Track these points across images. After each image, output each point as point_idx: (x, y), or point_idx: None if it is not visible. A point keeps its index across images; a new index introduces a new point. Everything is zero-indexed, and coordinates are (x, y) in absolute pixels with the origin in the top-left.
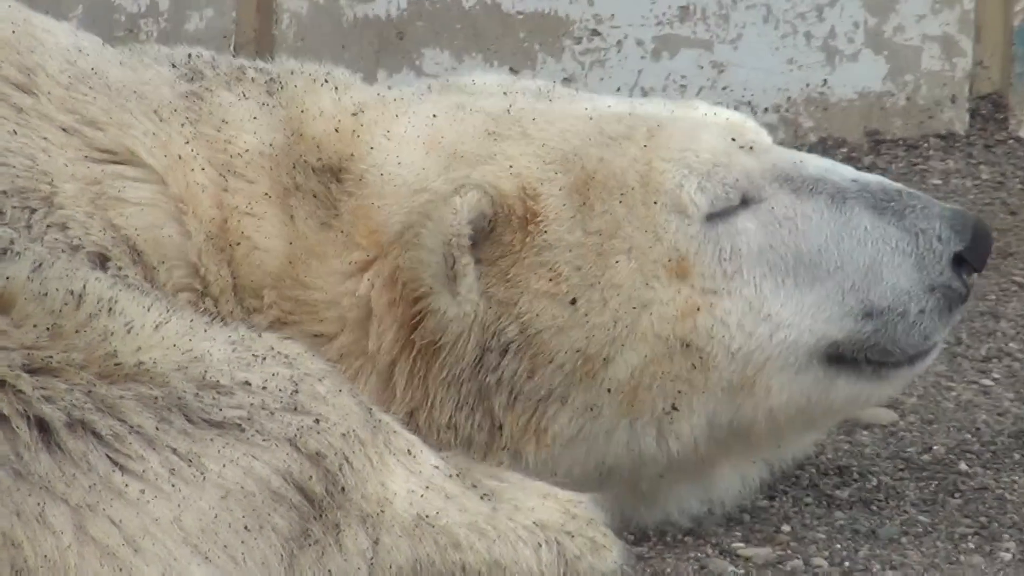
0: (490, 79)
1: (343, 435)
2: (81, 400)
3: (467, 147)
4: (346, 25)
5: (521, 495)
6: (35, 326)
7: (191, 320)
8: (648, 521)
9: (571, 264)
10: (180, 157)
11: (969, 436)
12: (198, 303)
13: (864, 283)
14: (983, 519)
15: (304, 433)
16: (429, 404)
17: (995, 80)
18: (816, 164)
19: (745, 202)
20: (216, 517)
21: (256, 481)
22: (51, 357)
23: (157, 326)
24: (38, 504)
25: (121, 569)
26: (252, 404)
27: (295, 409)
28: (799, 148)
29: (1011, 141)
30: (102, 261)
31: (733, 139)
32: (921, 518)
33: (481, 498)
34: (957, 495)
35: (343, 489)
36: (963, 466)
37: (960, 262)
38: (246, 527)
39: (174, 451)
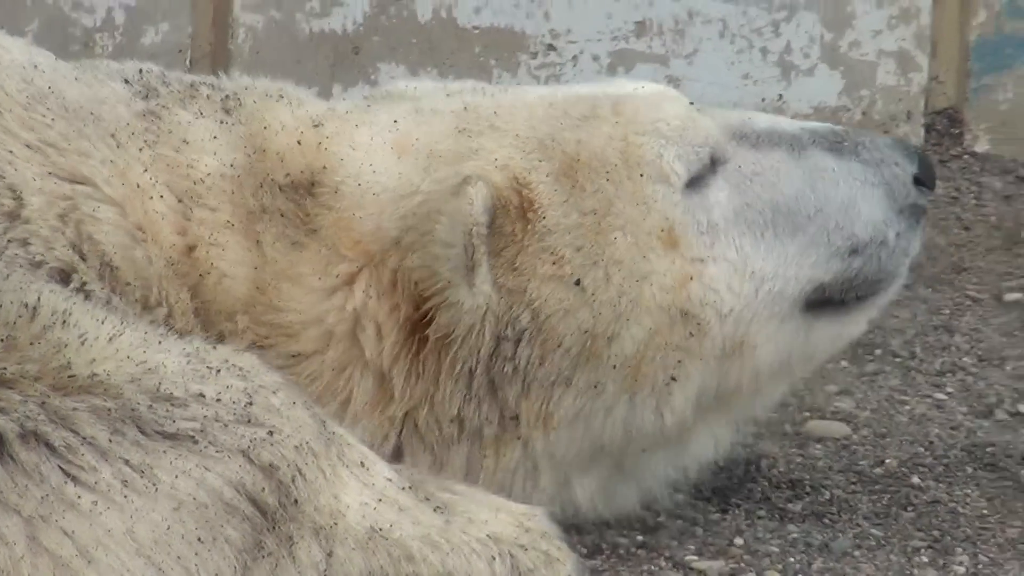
0: (423, 84)
1: (296, 447)
2: (34, 412)
3: (443, 147)
4: (302, 40)
5: (475, 508)
6: None
7: (145, 333)
8: (629, 501)
9: (572, 246)
10: (138, 186)
11: (922, 450)
12: (163, 323)
13: (846, 220)
14: (936, 532)
15: (257, 445)
16: (431, 401)
17: (951, 95)
18: (762, 118)
19: (714, 162)
20: (169, 529)
21: (209, 493)
22: (5, 369)
23: (111, 338)
24: None
25: None
26: (206, 416)
27: (249, 421)
28: None
29: (966, 156)
30: (64, 277)
31: (691, 103)
32: (874, 531)
33: (435, 511)
34: (910, 508)
35: (296, 501)
36: (916, 480)
37: (916, 183)
38: (199, 539)
39: (127, 463)
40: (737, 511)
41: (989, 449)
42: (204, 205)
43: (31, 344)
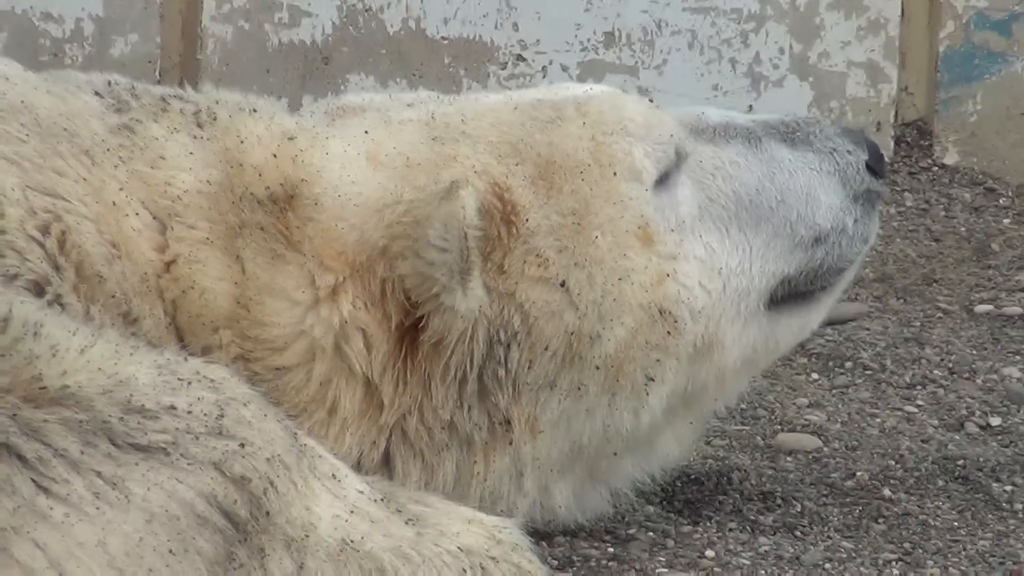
0: (376, 96)
1: (268, 459)
2: (5, 423)
3: (418, 156)
4: (271, 50)
5: (446, 520)
6: None
7: (117, 344)
8: (601, 505)
9: (555, 247)
10: (114, 203)
11: (893, 462)
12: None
13: (808, 210)
14: (907, 545)
15: (229, 457)
16: (421, 408)
17: (920, 107)
18: (715, 112)
19: (679, 156)
20: (141, 541)
21: (181, 505)
22: None
23: (82, 350)
24: None
25: None
26: (177, 428)
27: (220, 433)
28: None
29: (936, 168)
30: (38, 290)
31: (650, 100)
32: (845, 544)
33: (406, 523)
34: (881, 521)
35: (268, 513)
36: (887, 492)
37: (868, 169)
38: (171, 551)
39: (99, 474)
40: (708, 523)
41: (960, 462)
42: (182, 222)
43: (2, 356)
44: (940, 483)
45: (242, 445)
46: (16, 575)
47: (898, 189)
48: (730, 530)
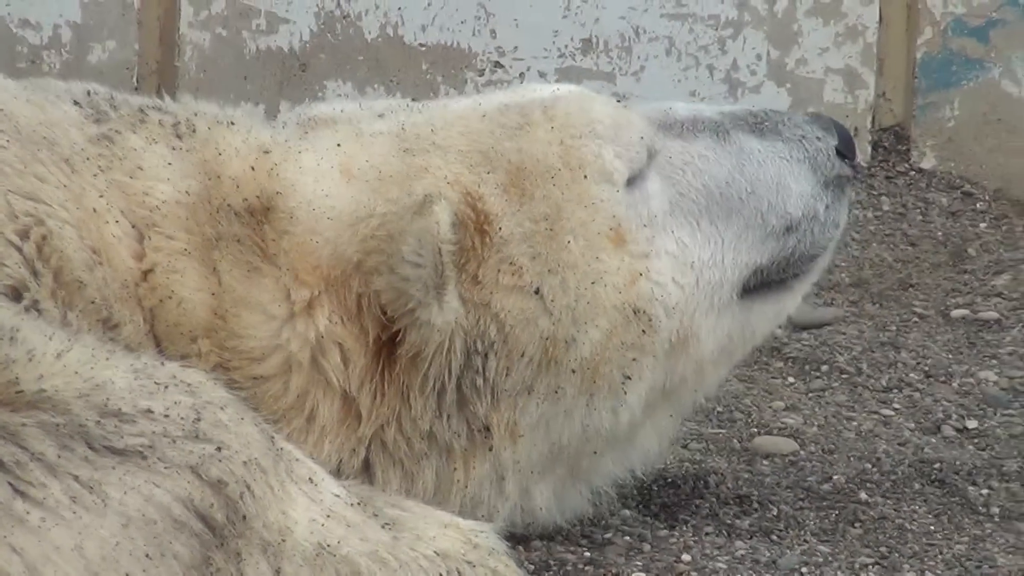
0: (346, 105)
1: (245, 463)
2: None
3: (390, 168)
4: (249, 57)
5: (423, 524)
6: None
7: (93, 349)
8: (581, 504)
9: (528, 255)
10: (94, 210)
11: (869, 466)
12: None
13: (778, 199)
14: (883, 549)
15: (206, 461)
16: (399, 418)
17: (897, 112)
18: (682, 106)
19: (651, 155)
20: (117, 545)
21: (158, 509)
22: None
23: (59, 354)
24: None
25: None
26: (154, 432)
27: (197, 437)
28: None
29: (912, 173)
30: (16, 295)
31: (618, 100)
32: (821, 548)
33: (383, 527)
34: (857, 525)
35: (244, 517)
36: (863, 496)
37: (838, 155)
38: (147, 555)
39: (76, 478)
40: (685, 527)
41: (936, 465)
42: (160, 232)
43: None
44: (917, 487)
45: (219, 449)
46: None
47: (875, 193)
48: (706, 534)
